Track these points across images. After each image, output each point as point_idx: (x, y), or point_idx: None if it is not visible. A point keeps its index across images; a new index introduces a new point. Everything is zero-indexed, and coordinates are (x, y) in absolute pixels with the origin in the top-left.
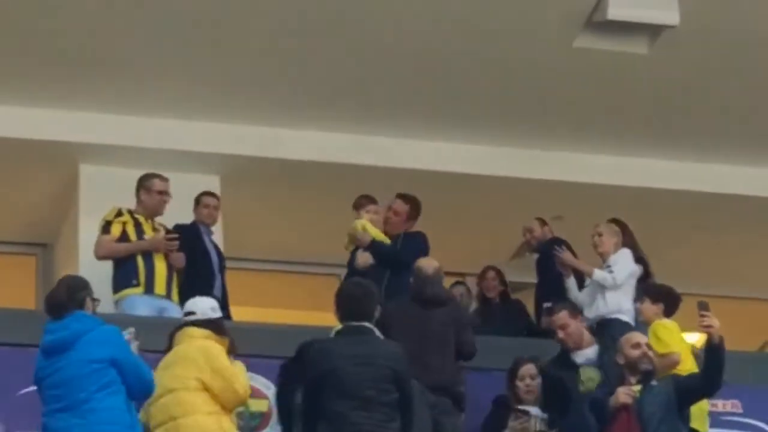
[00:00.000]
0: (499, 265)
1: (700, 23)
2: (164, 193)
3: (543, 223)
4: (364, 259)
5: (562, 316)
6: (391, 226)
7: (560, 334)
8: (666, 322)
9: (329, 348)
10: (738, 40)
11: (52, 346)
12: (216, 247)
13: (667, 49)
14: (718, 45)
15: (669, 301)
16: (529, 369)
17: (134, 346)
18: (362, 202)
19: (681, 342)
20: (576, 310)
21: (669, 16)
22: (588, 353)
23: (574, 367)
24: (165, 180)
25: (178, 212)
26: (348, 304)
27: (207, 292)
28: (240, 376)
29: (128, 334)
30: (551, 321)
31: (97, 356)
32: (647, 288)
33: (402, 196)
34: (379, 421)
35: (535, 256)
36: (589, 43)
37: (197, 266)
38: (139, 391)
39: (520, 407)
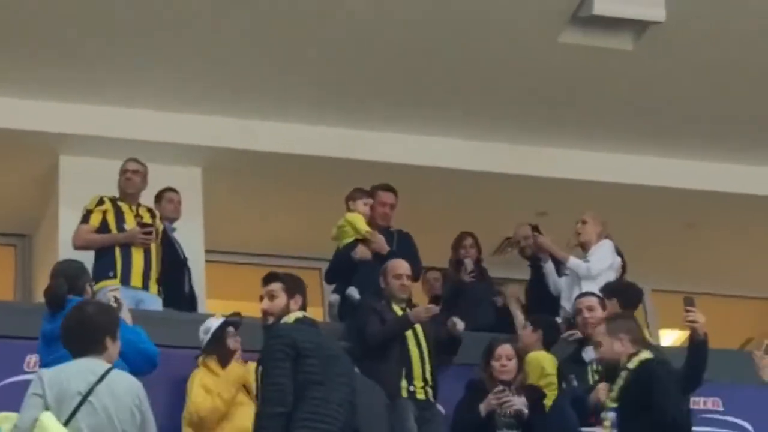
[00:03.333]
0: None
1: (686, 19)
2: (127, 172)
3: (534, 229)
4: (364, 252)
5: (592, 300)
6: (386, 219)
7: (586, 313)
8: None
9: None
10: (724, 36)
11: (52, 335)
12: (178, 243)
13: (652, 46)
14: (703, 41)
15: (626, 296)
16: (505, 349)
17: (124, 308)
18: (356, 195)
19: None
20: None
21: (655, 12)
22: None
23: (584, 364)
24: (134, 161)
25: None
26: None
27: (179, 287)
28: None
29: (113, 292)
30: (578, 302)
31: None
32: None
33: (389, 188)
34: None
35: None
36: (575, 38)
37: (164, 262)
38: (143, 368)
39: (501, 378)
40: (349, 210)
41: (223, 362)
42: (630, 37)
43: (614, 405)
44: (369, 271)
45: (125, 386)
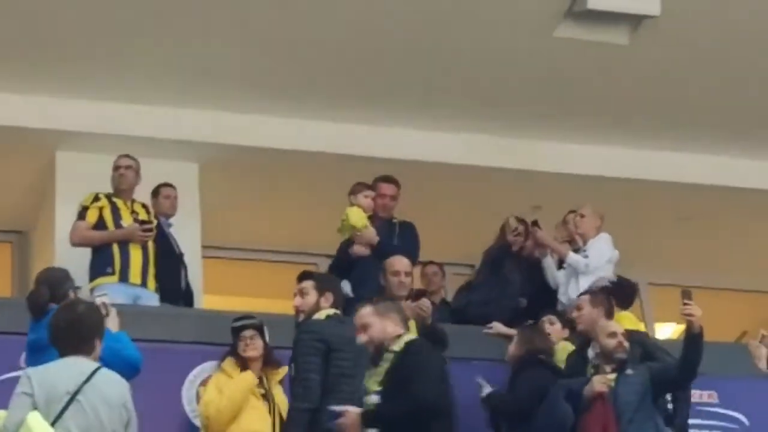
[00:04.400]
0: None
1: (681, 13)
2: (120, 168)
3: (534, 224)
4: (361, 249)
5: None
6: (387, 210)
7: (575, 313)
8: (626, 313)
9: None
10: (718, 29)
11: (36, 344)
12: (174, 238)
13: (647, 40)
14: (698, 35)
15: (620, 293)
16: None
17: (112, 314)
18: (357, 188)
19: None
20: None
21: (650, 6)
22: None
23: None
24: (125, 156)
25: None
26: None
27: (175, 282)
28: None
29: (101, 297)
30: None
31: None
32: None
33: (390, 180)
34: None
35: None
36: (570, 32)
37: (161, 258)
38: (126, 373)
39: None
40: (351, 204)
41: (241, 365)
42: (625, 31)
43: (378, 388)
44: (367, 266)
45: (113, 385)
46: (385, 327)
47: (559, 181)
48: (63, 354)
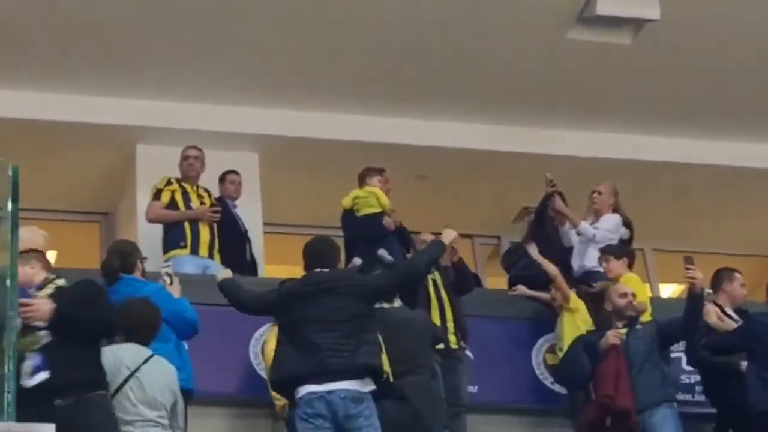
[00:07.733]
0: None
1: (678, 18)
2: (188, 158)
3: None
4: (390, 224)
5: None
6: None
7: (603, 264)
8: (633, 275)
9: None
10: (711, 31)
11: None
12: (239, 217)
13: (648, 41)
14: (693, 36)
15: (629, 257)
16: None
17: (176, 282)
18: (371, 172)
19: (644, 292)
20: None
21: (651, 11)
22: None
23: None
24: (192, 148)
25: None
26: (311, 256)
27: (242, 255)
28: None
29: (166, 269)
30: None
31: None
32: (608, 248)
33: (382, 171)
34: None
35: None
36: (580, 35)
37: (229, 234)
38: (186, 332)
39: None
40: (366, 185)
41: None
42: (629, 33)
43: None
44: (393, 240)
45: (165, 370)
46: (25, 272)
47: (570, 163)
48: (130, 338)
